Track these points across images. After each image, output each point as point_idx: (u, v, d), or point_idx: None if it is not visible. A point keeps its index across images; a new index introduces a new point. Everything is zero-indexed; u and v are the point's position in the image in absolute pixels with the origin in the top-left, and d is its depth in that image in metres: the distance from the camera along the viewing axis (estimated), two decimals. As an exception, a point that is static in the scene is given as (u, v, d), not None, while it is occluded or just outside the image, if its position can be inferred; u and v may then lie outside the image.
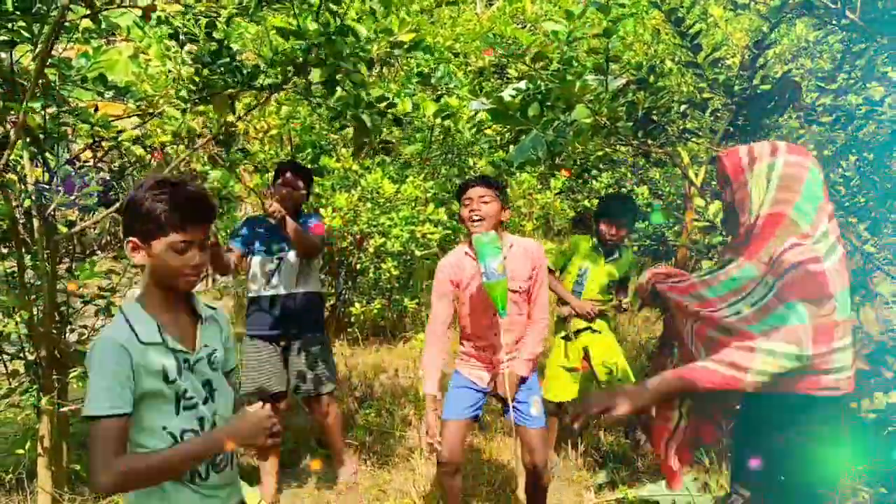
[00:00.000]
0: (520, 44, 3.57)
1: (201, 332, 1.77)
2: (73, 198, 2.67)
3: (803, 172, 1.96)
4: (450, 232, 6.81)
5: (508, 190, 7.07)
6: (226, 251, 3.51)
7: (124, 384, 1.57)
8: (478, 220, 2.84)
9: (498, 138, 5.67)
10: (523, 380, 2.96)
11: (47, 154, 3.14)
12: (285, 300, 3.59)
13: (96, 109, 3.24)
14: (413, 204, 6.52)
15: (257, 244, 3.64)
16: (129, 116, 3.28)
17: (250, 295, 3.69)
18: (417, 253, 6.39)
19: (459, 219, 2.99)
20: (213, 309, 1.88)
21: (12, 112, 2.72)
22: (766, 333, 1.81)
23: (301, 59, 2.58)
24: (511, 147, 4.71)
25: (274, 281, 3.57)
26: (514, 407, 2.94)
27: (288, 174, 3.56)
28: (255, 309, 3.65)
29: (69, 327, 3.43)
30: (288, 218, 3.28)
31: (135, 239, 1.64)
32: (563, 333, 3.91)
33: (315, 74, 2.42)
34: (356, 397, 5.19)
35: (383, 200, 6.30)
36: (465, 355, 3.07)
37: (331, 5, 2.33)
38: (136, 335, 1.63)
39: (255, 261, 3.64)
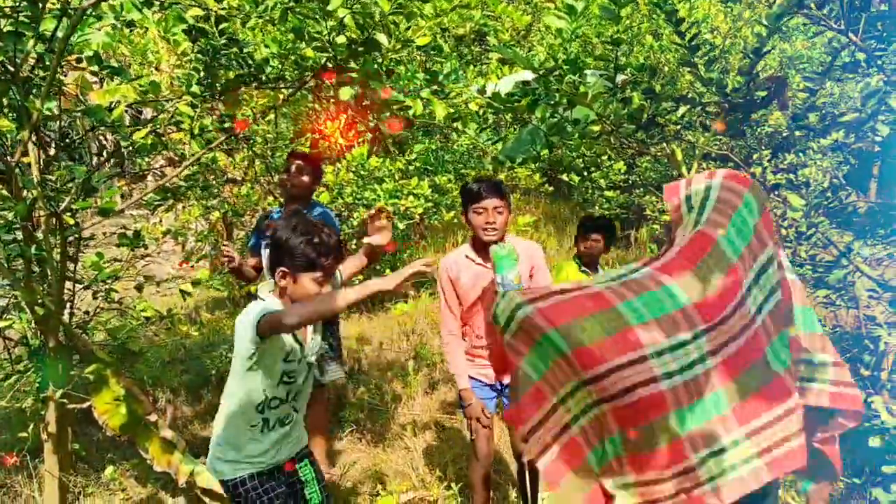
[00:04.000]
0: (505, 17, 3.58)
1: (310, 336, 2.40)
2: (89, 200, 2.67)
3: (737, 201, 1.95)
4: (431, 205, 6.89)
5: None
6: (247, 261, 3.74)
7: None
8: (492, 231, 2.93)
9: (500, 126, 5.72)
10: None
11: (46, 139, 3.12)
12: None
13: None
14: (397, 177, 6.56)
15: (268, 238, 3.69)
16: (134, 103, 3.25)
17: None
18: (401, 226, 6.46)
19: (467, 222, 3.06)
20: None
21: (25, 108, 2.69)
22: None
23: (319, 65, 2.60)
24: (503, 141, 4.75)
25: None
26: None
27: (295, 161, 3.66)
28: None
29: (68, 311, 3.45)
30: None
31: (285, 269, 2.21)
32: None
33: (344, 92, 2.45)
34: (345, 371, 5.29)
35: (366, 173, 6.33)
36: (471, 355, 3.17)
37: (357, 17, 2.34)
38: None
39: (265, 255, 3.67)
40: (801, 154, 5.01)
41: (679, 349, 1.77)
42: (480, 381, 3.14)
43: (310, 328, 2.40)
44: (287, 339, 2.26)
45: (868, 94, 2.18)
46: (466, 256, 3.12)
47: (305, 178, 3.69)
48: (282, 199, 4.01)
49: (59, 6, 2.81)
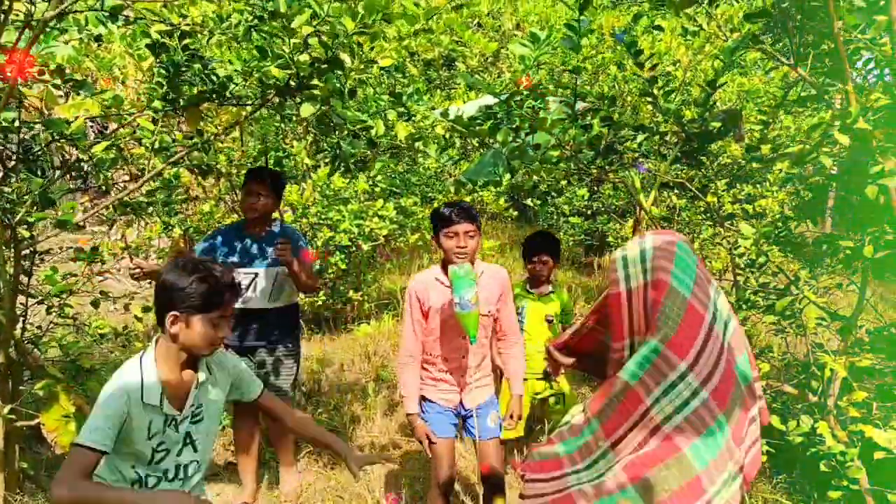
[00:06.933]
0: (473, 44, 3.62)
1: (193, 393, 2.07)
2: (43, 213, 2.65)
3: (672, 247, 2.19)
4: (396, 227, 6.91)
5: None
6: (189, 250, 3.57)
7: (114, 427, 1.89)
8: (463, 255, 2.96)
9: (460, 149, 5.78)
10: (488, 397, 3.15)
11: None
12: (256, 316, 3.58)
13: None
14: (362, 198, 6.57)
15: (228, 256, 3.63)
16: (100, 117, 3.23)
17: None
18: (365, 247, 6.46)
19: (438, 245, 3.06)
20: (221, 356, 2.19)
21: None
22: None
23: (283, 83, 2.62)
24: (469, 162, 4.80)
25: (246, 295, 3.56)
26: (473, 419, 3.10)
27: (252, 184, 3.56)
28: None
29: (20, 326, 3.39)
30: (294, 263, 3.47)
31: (176, 313, 1.92)
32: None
33: (305, 109, 2.46)
34: (304, 392, 5.25)
35: (331, 194, 6.34)
36: (433, 379, 3.16)
37: (324, 38, 2.38)
38: (142, 393, 1.94)
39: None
40: (758, 185, 5.15)
41: (671, 391, 1.99)
42: (442, 406, 3.14)
43: (201, 373, 2.08)
44: (146, 414, 1.96)
45: (812, 126, 2.28)
46: (436, 279, 3.12)
47: (263, 202, 3.57)
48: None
49: (21, 17, 2.80)
